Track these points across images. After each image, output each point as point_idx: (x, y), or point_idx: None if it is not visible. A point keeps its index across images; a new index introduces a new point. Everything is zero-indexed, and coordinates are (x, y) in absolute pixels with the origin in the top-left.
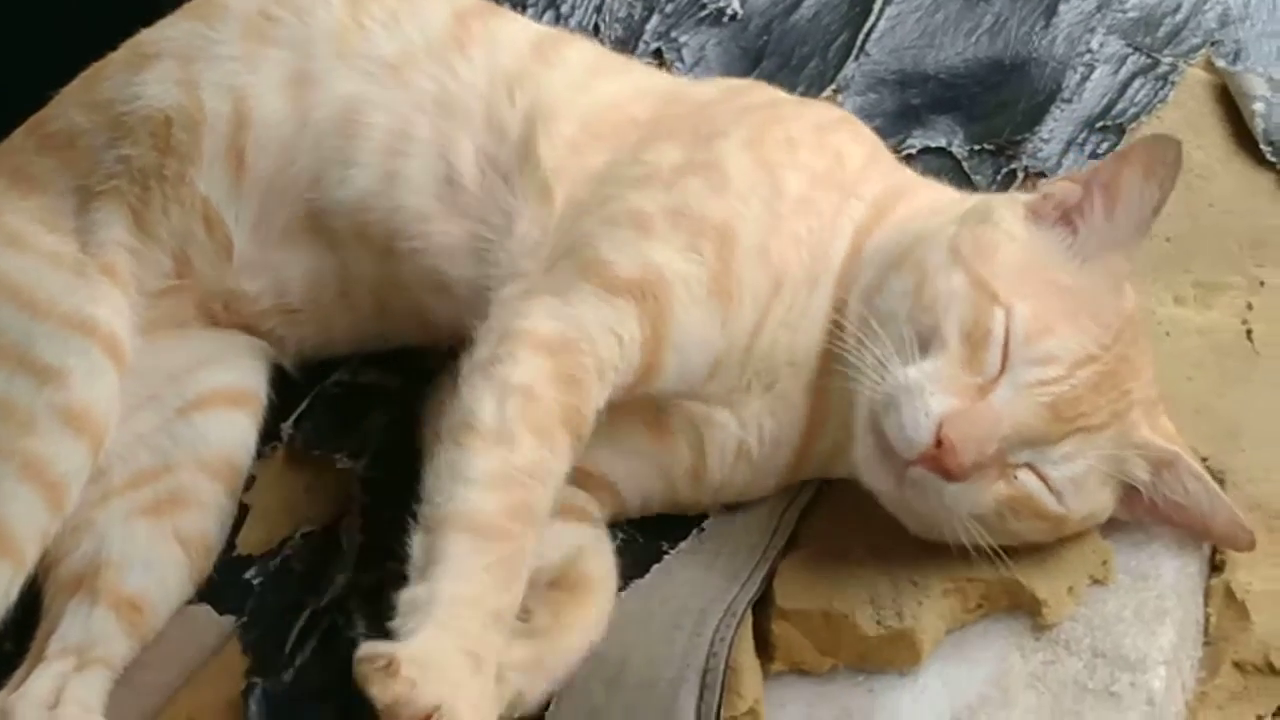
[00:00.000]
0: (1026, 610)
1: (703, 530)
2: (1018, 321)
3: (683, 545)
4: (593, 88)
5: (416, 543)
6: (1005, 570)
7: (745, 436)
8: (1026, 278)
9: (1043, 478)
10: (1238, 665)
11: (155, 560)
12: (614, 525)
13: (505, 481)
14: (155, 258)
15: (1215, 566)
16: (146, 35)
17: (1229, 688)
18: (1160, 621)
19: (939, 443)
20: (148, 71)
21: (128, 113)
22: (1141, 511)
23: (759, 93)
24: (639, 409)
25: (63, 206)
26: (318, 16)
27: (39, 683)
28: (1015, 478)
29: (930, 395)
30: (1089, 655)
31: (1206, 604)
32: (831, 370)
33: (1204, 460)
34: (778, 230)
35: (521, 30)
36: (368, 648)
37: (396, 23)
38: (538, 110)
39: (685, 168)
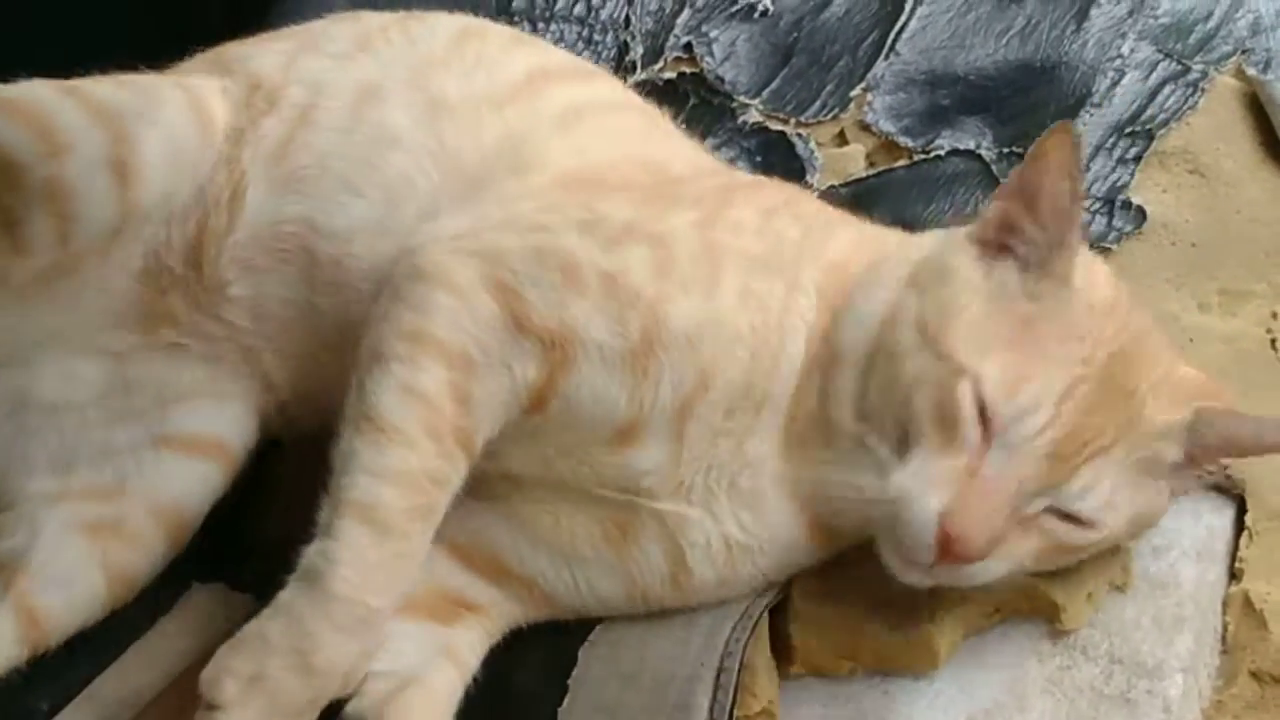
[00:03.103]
0: (1044, 616)
1: None
2: (988, 385)
3: None
4: (587, 150)
5: (326, 508)
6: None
7: (729, 532)
8: (992, 328)
9: (1070, 516)
10: (1254, 675)
11: (73, 582)
12: None
13: (408, 482)
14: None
15: (1234, 575)
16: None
17: (1245, 697)
18: (1178, 629)
19: (946, 539)
20: (270, 44)
21: (236, 69)
22: (1193, 481)
23: (726, 177)
24: (595, 517)
25: None
26: (419, 46)
27: None
28: (1041, 526)
29: (922, 497)
30: (1106, 661)
31: (1225, 613)
32: (802, 465)
33: (1225, 469)
34: (717, 325)
35: (567, 95)
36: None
37: (477, 67)
38: (519, 164)
39: (632, 231)
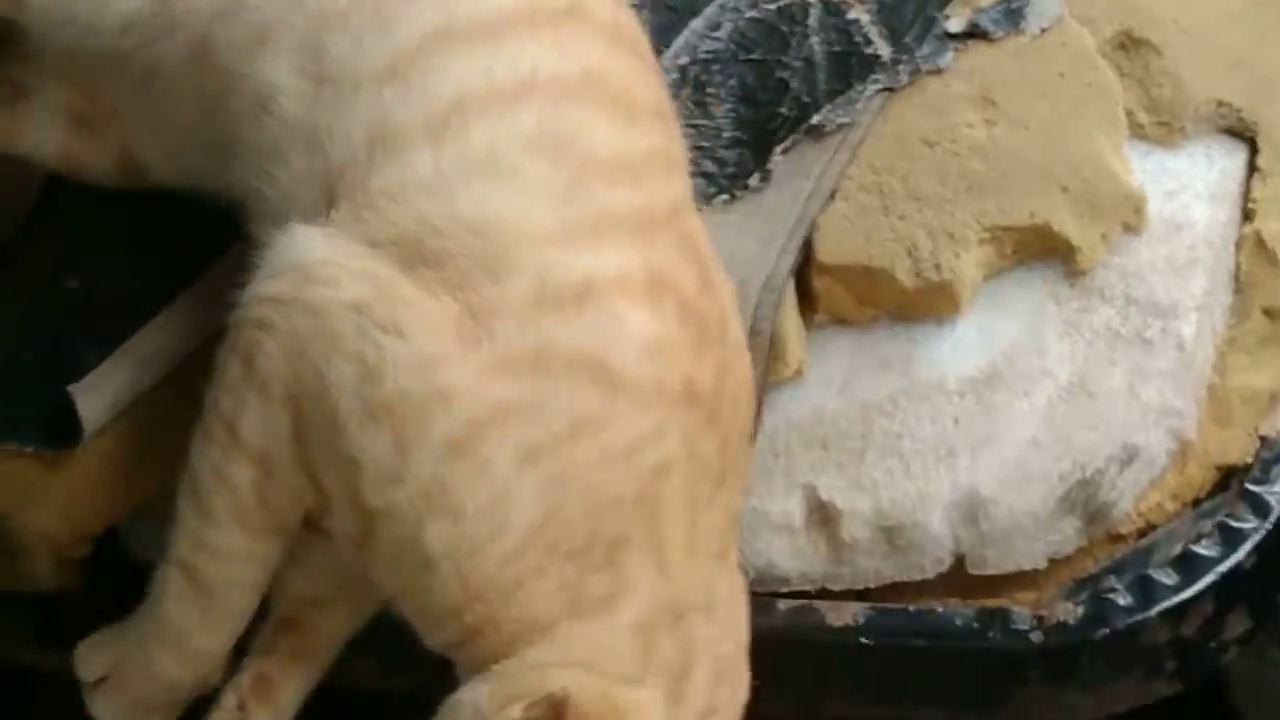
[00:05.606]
0: (1060, 256)
1: (732, 198)
2: None
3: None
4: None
5: (166, 542)
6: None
7: None
8: None
9: None
10: (1267, 312)
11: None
12: None
13: (224, 557)
14: None
15: (1246, 216)
16: None
17: (1258, 332)
18: (1192, 269)
19: None
20: None
21: None
22: None
23: None
24: None
25: None
26: None
27: None
28: None
29: None
30: (1122, 303)
31: (1237, 252)
32: None
33: (1238, 112)
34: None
35: (467, 69)
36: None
37: (373, 24)
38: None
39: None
